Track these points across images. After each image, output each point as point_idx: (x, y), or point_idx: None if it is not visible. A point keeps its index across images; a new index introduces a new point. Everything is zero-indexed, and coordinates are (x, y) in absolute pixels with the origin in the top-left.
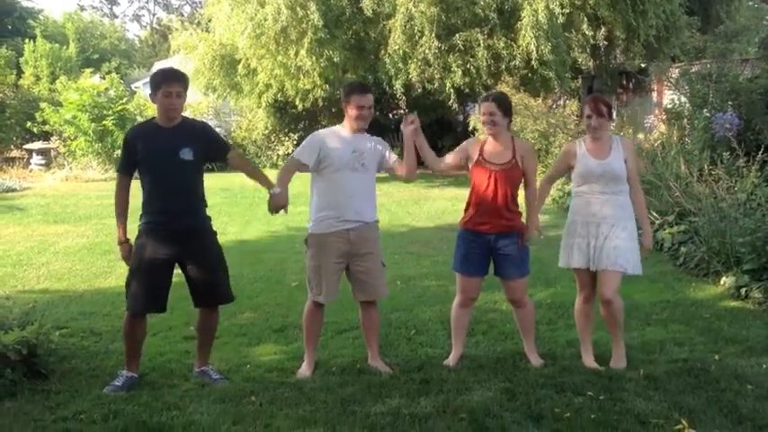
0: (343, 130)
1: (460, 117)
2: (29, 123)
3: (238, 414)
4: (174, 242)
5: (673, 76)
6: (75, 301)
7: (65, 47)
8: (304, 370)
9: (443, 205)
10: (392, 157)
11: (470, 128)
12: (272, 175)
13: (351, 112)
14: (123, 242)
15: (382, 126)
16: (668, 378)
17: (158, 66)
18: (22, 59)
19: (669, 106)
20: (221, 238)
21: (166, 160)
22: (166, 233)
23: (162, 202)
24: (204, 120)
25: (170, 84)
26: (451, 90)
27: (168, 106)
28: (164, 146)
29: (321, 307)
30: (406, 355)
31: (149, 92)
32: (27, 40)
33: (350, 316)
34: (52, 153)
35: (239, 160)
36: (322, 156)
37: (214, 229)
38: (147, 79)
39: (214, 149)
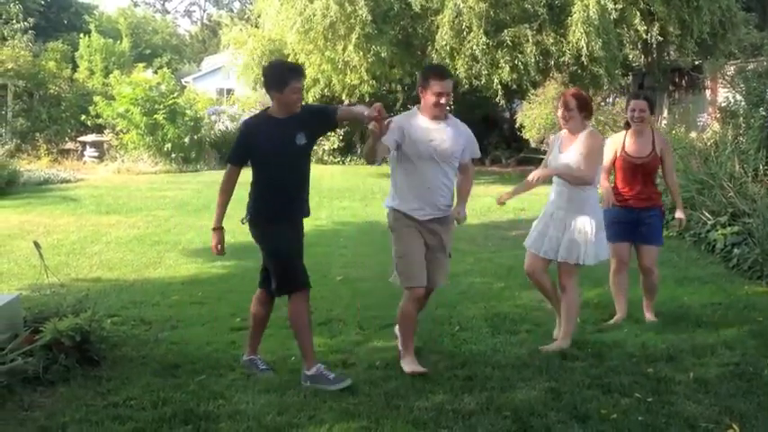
0: (422, 115)
1: (506, 114)
2: (83, 116)
3: (283, 405)
4: (297, 228)
5: (728, 73)
6: (125, 290)
7: (118, 42)
8: (412, 364)
9: (489, 203)
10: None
11: (517, 125)
12: (317, 170)
13: (429, 98)
14: (218, 228)
15: None
16: (719, 382)
17: (209, 61)
18: (77, 54)
19: (724, 104)
20: None
21: (287, 149)
22: (291, 219)
23: (284, 191)
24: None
25: (298, 79)
26: (499, 86)
27: (297, 102)
28: (285, 135)
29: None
30: (449, 351)
31: (270, 85)
32: (82, 35)
33: (393, 312)
34: (105, 146)
35: (347, 113)
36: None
37: None
38: (199, 74)
39: (324, 122)
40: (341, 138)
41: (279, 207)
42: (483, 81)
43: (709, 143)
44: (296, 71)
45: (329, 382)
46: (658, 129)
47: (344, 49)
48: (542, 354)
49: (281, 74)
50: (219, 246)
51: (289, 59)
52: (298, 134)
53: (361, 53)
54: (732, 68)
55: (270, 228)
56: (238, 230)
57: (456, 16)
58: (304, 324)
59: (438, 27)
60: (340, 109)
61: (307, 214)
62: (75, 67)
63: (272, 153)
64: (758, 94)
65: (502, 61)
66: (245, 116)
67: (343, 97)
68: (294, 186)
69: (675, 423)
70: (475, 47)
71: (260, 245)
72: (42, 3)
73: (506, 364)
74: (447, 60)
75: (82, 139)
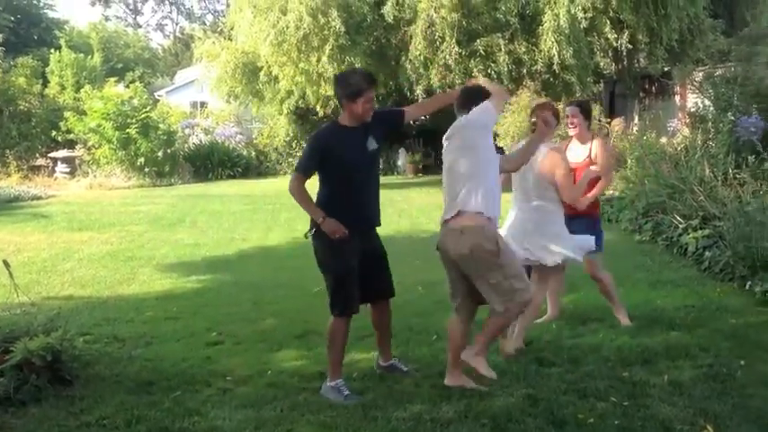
0: None
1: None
2: (54, 132)
3: (260, 420)
4: (366, 236)
5: (696, 79)
6: (98, 307)
7: (89, 56)
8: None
9: None
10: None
11: None
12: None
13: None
14: (325, 217)
15: (403, 132)
16: (693, 384)
17: (182, 74)
18: (47, 69)
19: (693, 110)
20: (243, 245)
21: (362, 157)
22: (363, 228)
23: (358, 197)
24: (226, 126)
25: (372, 89)
26: None
27: (369, 111)
28: (359, 143)
29: None
30: (427, 360)
31: (343, 95)
32: (53, 50)
33: (370, 323)
34: (77, 161)
35: (418, 109)
36: None
37: None
38: (172, 87)
39: (390, 121)
40: None
41: (352, 218)
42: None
43: (679, 148)
44: (370, 81)
45: (341, 397)
46: (609, 135)
47: (318, 61)
48: (520, 360)
49: (356, 84)
50: (339, 228)
51: (262, 72)
52: (368, 140)
53: (335, 64)
54: (700, 74)
55: (336, 242)
56: (213, 244)
57: (429, 26)
58: (339, 343)
59: (411, 37)
60: (411, 109)
61: (378, 223)
62: (45, 83)
63: (349, 163)
64: (726, 99)
65: (475, 70)
66: (219, 129)
67: (318, 108)
68: (369, 194)
69: (651, 426)
70: (448, 56)
71: (319, 259)
72: (12, 18)
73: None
74: (421, 70)
75: (53, 155)
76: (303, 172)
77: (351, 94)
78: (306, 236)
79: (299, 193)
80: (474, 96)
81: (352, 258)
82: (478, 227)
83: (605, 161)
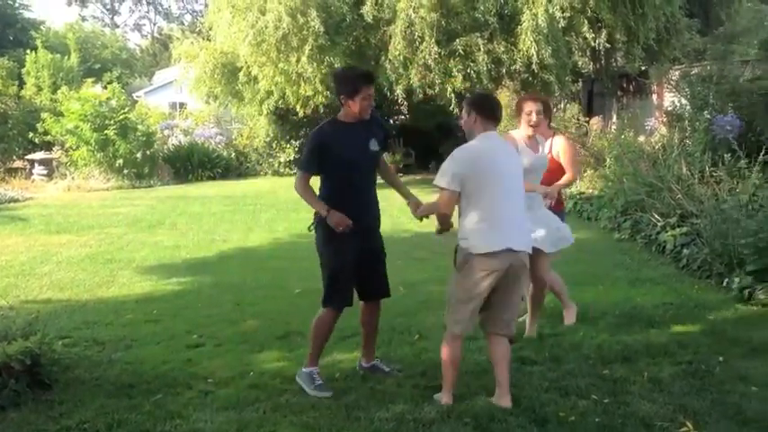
0: None
1: (461, 122)
2: (31, 134)
3: (242, 422)
4: (365, 235)
5: (673, 78)
6: (77, 310)
7: (66, 57)
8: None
9: None
10: None
11: None
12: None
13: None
14: (330, 209)
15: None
16: (673, 380)
17: (161, 74)
18: (23, 70)
19: (670, 108)
20: (224, 246)
21: (362, 154)
22: (363, 226)
23: (358, 196)
24: (205, 127)
25: (369, 86)
26: (452, 95)
27: (368, 108)
28: (359, 140)
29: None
30: (410, 360)
31: (342, 92)
32: (29, 51)
33: (353, 322)
34: (54, 163)
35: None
36: None
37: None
38: (150, 88)
39: (384, 134)
40: (296, 149)
41: (351, 217)
42: (436, 90)
43: (657, 146)
44: (367, 78)
45: (312, 385)
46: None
47: (298, 61)
48: None
49: (352, 81)
50: (344, 220)
51: (242, 72)
52: (371, 140)
53: (315, 64)
54: (677, 73)
55: (334, 236)
56: (193, 246)
57: (408, 26)
58: (323, 334)
59: (391, 37)
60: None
61: (378, 223)
62: (21, 84)
63: (348, 158)
64: (702, 97)
65: (454, 70)
66: (199, 130)
67: (298, 108)
68: (370, 194)
69: (631, 423)
70: (427, 56)
71: (319, 251)
72: None
73: (466, 371)
74: (400, 70)
75: (30, 157)
76: (305, 169)
77: (349, 91)
78: (309, 229)
79: (302, 189)
80: None
81: (349, 255)
82: None
83: (571, 155)
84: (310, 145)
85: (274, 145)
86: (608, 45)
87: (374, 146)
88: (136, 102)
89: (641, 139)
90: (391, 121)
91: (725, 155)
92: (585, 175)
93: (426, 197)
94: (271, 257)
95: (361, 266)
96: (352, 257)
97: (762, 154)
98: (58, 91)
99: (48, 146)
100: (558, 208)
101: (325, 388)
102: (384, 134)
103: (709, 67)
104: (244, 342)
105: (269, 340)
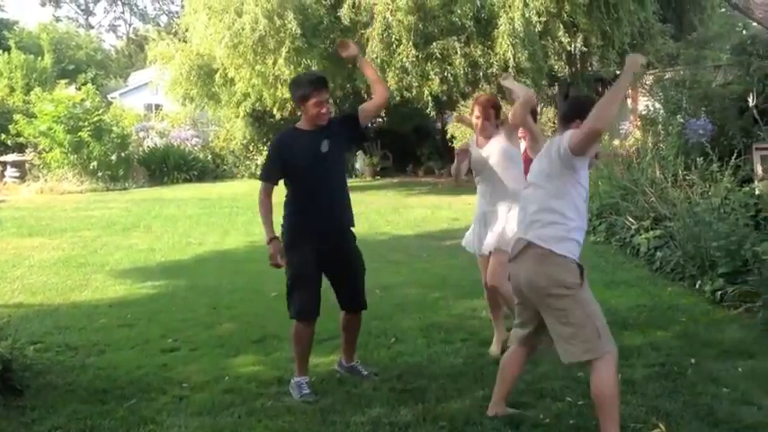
0: None
1: (438, 125)
2: (3, 135)
3: (217, 427)
4: (326, 242)
5: (647, 82)
6: (50, 315)
7: (40, 58)
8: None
9: (423, 213)
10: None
11: (448, 135)
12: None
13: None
14: (273, 239)
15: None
16: (645, 382)
17: (136, 76)
18: None
19: (644, 112)
20: (199, 249)
21: (313, 159)
22: (321, 233)
23: (316, 202)
24: (181, 129)
25: (321, 91)
26: (429, 98)
27: (320, 114)
28: (311, 146)
29: None
30: (385, 364)
31: (294, 99)
32: (1, 52)
33: (328, 326)
34: (27, 165)
35: (372, 102)
36: None
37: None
38: (125, 89)
39: (350, 124)
40: None
41: (306, 223)
42: (414, 93)
43: (631, 150)
44: (316, 83)
45: (299, 394)
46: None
47: (275, 63)
48: (478, 362)
49: (303, 86)
50: (279, 256)
51: (218, 74)
52: (322, 143)
53: (292, 67)
54: (651, 78)
55: (295, 243)
56: (168, 249)
57: (385, 29)
58: (298, 344)
59: (368, 40)
60: (364, 107)
61: (341, 228)
62: None
63: (297, 165)
64: (675, 102)
65: (432, 73)
66: (175, 132)
67: (275, 111)
68: (327, 198)
69: None
70: (405, 59)
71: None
72: None
73: (442, 374)
74: (378, 73)
75: (2, 158)
76: (264, 179)
77: (300, 97)
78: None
79: (260, 203)
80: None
81: (306, 265)
82: None
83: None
84: (268, 153)
85: (251, 147)
86: (584, 49)
87: (325, 147)
88: (110, 103)
89: (616, 142)
90: (369, 125)
91: (697, 158)
92: None
93: (405, 200)
94: (247, 260)
95: (330, 275)
96: (312, 266)
97: (733, 158)
98: (32, 92)
99: (20, 148)
100: None
101: (311, 396)
102: (347, 127)
103: (682, 72)
104: (219, 346)
105: (245, 344)
